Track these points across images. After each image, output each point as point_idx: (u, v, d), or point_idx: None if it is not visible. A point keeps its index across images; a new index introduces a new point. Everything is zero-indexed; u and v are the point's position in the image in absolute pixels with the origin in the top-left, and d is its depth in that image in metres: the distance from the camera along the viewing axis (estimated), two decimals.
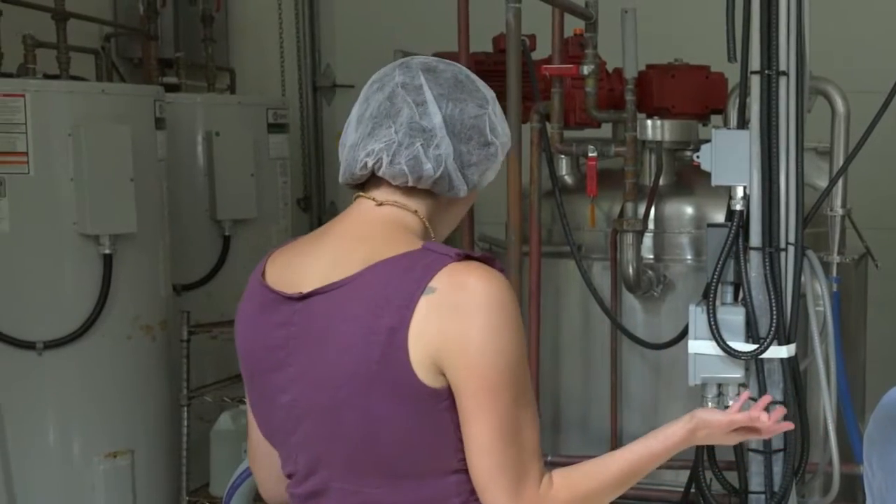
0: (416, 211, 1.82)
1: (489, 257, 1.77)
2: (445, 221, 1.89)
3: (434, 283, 1.69)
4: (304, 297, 1.78)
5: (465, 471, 1.74)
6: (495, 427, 1.70)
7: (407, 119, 1.79)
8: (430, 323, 1.68)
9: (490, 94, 1.87)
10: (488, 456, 1.71)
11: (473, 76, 1.88)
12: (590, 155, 3.66)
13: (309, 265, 1.82)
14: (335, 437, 1.78)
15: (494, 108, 1.85)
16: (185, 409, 4.48)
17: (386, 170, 1.79)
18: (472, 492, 1.75)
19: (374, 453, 1.76)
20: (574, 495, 1.77)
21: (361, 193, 1.84)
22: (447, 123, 1.80)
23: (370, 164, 1.79)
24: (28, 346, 3.92)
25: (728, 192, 2.79)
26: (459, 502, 1.76)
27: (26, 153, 3.86)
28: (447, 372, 1.70)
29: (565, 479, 1.77)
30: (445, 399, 1.70)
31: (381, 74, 1.85)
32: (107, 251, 3.97)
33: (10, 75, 4.17)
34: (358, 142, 1.81)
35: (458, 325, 1.68)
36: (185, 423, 4.47)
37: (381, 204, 1.82)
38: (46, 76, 4.19)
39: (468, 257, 1.73)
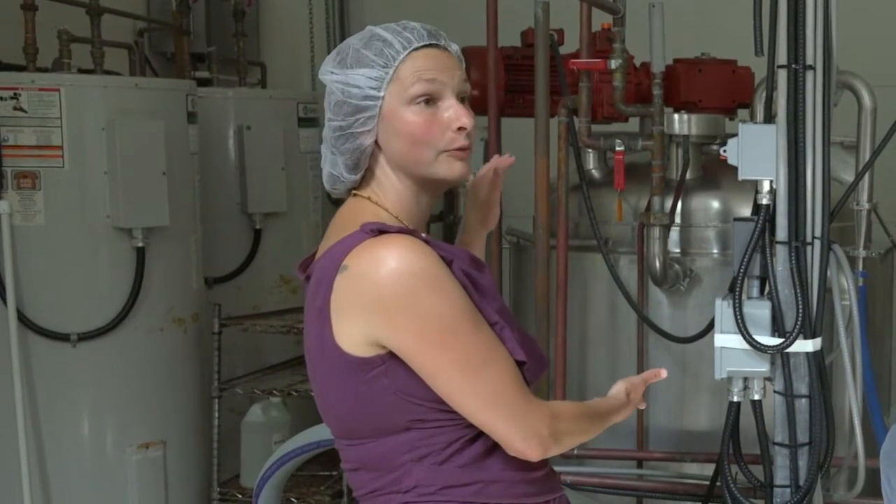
0: (369, 197, 1.94)
1: (408, 230, 1.85)
2: (415, 199, 1.96)
3: (347, 261, 1.79)
4: (307, 280, 1.95)
5: (419, 429, 1.84)
6: (457, 376, 1.80)
7: None
8: (347, 299, 1.79)
9: (333, 61, 1.93)
10: (466, 403, 1.82)
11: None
12: (617, 149, 3.67)
13: (319, 252, 1.97)
14: (317, 402, 1.99)
15: (325, 76, 1.94)
16: (217, 401, 4.53)
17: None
18: (428, 447, 1.86)
19: (333, 418, 1.94)
20: (558, 413, 1.92)
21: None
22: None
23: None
24: (62, 337, 3.98)
25: (754, 186, 2.79)
26: (410, 458, 1.86)
27: (61, 147, 3.91)
28: (384, 342, 1.80)
29: (553, 405, 1.95)
30: (378, 366, 1.81)
31: None
32: (140, 244, 4.02)
33: (45, 70, 4.22)
34: None
35: (378, 299, 1.77)
36: (217, 414, 4.52)
37: (354, 195, 1.96)
38: (81, 71, 4.24)
39: (382, 232, 1.81)
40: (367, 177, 1.95)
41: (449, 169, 1.91)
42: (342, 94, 1.89)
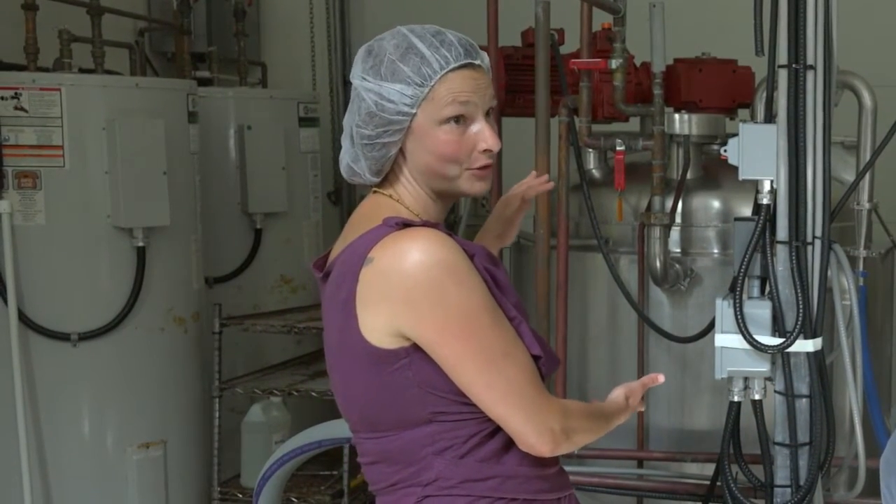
0: (390, 195, 1.97)
1: (431, 223, 1.89)
2: (432, 199, 1.99)
3: (372, 253, 1.83)
4: (324, 277, 1.97)
5: (440, 421, 1.87)
6: (477, 368, 1.83)
7: None
8: (373, 291, 1.82)
9: (365, 65, 1.91)
10: (485, 395, 1.85)
11: (359, 56, 1.94)
12: (617, 149, 3.67)
13: (335, 248, 1.99)
14: (337, 396, 2.00)
15: (357, 81, 1.92)
16: (217, 400, 4.53)
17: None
18: (448, 440, 1.88)
19: (354, 410, 1.96)
20: (569, 410, 1.95)
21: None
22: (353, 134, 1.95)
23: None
24: (63, 337, 3.98)
25: (755, 185, 2.79)
26: (431, 451, 1.89)
27: (62, 147, 3.91)
28: (408, 333, 1.83)
29: (564, 402, 1.99)
30: (403, 358, 1.84)
31: None
32: (140, 244, 4.02)
33: (46, 70, 4.21)
34: None
35: (403, 290, 1.80)
36: (217, 414, 4.52)
37: (374, 192, 1.99)
38: (82, 70, 4.23)
39: (407, 225, 1.85)
40: (388, 177, 1.98)
41: (471, 186, 1.96)
42: (375, 106, 1.89)
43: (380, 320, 1.83)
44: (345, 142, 1.98)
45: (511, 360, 1.85)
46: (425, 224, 1.88)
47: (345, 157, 1.98)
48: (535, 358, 1.92)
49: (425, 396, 1.85)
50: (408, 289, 1.79)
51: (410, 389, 1.85)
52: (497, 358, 1.83)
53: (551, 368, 1.99)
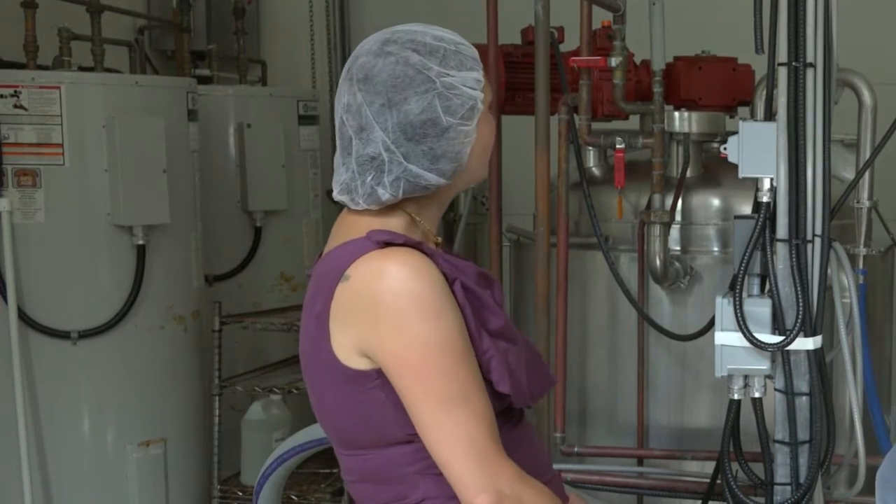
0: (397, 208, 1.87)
1: (415, 242, 1.80)
2: (443, 201, 1.93)
3: (350, 270, 1.76)
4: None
5: (419, 442, 1.78)
6: (426, 407, 1.74)
7: (356, 153, 1.82)
8: (346, 310, 1.76)
9: (435, 60, 1.80)
10: (428, 435, 1.75)
11: (414, 56, 1.80)
12: (617, 147, 3.67)
13: (325, 250, 1.93)
14: (312, 405, 1.92)
15: (444, 78, 1.79)
16: (217, 398, 4.53)
17: (352, 206, 1.86)
18: (430, 459, 1.78)
19: (329, 426, 1.90)
20: (527, 480, 1.80)
21: None
22: (394, 137, 1.79)
23: (339, 199, 1.88)
24: (63, 335, 3.98)
25: (755, 183, 2.79)
26: (413, 471, 1.82)
27: (61, 145, 3.91)
28: (371, 356, 1.76)
29: (520, 473, 1.79)
30: (375, 379, 1.77)
31: (340, 83, 1.88)
32: (140, 242, 4.02)
33: (45, 68, 4.21)
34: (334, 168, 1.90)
35: (371, 312, 1.74)
36: (217, 412, 4.52)
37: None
38: (81, 68, 4.24)
39: (388, 244, 1.77)
40: None
41: (485, 170, 1.95)
42: (471, 99, 1.82)
43: (350, 340, 1.77)
44: (399, 162, 1.80)
45: (468, 407, 1.73)
46: (407, 243, 1.79)
47: (397, 179, 1.81)
48: (504, 395, 1.83)
49: (401, 417, 1.78)
50: (375, 313, 1.73)
51: (385, 410, 1.79)
52: (452, 400, 1.73)
53: (542, 391, 1.93)
